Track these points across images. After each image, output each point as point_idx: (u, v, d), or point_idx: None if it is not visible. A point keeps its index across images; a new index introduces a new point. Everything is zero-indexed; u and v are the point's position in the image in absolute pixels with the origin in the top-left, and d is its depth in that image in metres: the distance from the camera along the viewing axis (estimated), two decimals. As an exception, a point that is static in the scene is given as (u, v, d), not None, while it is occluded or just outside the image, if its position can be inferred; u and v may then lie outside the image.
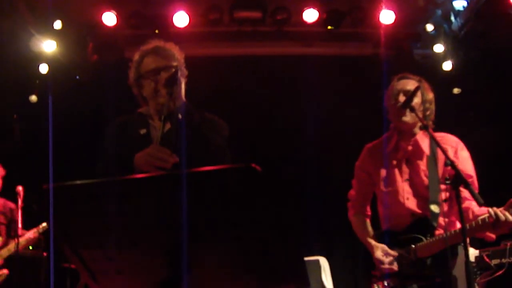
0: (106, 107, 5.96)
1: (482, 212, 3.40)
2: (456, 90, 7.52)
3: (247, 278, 1.88)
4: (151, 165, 2.74)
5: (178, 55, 3.24)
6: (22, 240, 6.27)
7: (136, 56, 3.25)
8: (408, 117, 3.75)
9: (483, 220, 3.35)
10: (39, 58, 7.18)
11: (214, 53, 7.58)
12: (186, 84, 3.26)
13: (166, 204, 1.75)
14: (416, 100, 3.70)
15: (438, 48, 7.42)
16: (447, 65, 7.38)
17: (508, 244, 4.29)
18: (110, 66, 7.15)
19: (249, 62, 7.63)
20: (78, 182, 1.77)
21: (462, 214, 3.03)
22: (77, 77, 7.59)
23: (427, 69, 7.29)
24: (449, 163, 3.15)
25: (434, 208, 3.58)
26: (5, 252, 6.29)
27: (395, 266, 3.59)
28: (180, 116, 3.07)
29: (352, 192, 4.14)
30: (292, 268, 1.81)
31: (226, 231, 1.75)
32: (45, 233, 6.54)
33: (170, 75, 2.99)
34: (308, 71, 7.44)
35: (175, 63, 3.16)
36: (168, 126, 3.05)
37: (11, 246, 6.28)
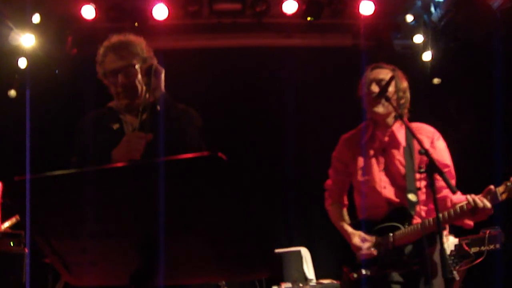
0: (85, 101, 5.92)
1: (460, 199, 3.42)
2: (436, 80, 7.55)
3: (218, 268, 1.88)
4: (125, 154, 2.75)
5: (141, 49, 3.18)
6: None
7: (100, 51, 3.23)
8: (380, 108, 3.74)
9: (462, 207, 3.37)
10: (17, 52, 7.13)
11: (194, 46, 7.56)
12: (159, 76, 3.22)
13: (138, 194, 1.74)
14: (390, 89, 3.71)
15: (418, 38, 7.45)
16: (427, 56, 7.42)
17: (487, 232, 4.35)
18: (89, 60, 7.06)
19: (229, 54, 7.62)
20: (49, 174, 1.76)
21: (436, 203, 3.06)
22: (56, 71, 7.53)
23: (407, 60, 7.34)
24: (423, 151, 3.18)
25: (411, 197, 3.58)
26: None
27: (373, 251, 3.60)
28: (158, 108, 3.06)
29: (328, 182, 4.13)
30: (262, 257, 1.81)
31: (194, 221, 1.74)
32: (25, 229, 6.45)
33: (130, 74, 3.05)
34: (288, 63, 7.46)
35: (135, 61, 3.11)
36: (145, 116, 3.03)
37: None
